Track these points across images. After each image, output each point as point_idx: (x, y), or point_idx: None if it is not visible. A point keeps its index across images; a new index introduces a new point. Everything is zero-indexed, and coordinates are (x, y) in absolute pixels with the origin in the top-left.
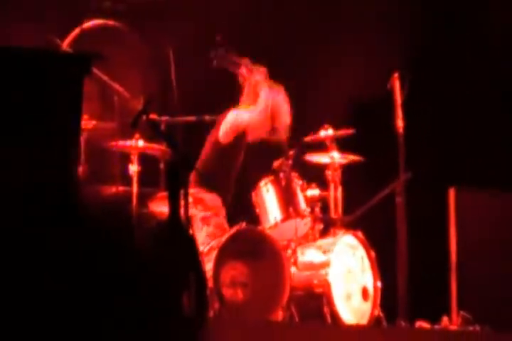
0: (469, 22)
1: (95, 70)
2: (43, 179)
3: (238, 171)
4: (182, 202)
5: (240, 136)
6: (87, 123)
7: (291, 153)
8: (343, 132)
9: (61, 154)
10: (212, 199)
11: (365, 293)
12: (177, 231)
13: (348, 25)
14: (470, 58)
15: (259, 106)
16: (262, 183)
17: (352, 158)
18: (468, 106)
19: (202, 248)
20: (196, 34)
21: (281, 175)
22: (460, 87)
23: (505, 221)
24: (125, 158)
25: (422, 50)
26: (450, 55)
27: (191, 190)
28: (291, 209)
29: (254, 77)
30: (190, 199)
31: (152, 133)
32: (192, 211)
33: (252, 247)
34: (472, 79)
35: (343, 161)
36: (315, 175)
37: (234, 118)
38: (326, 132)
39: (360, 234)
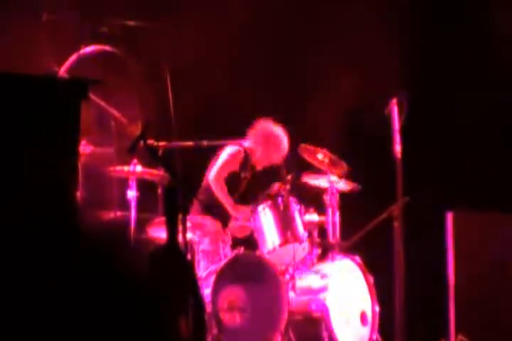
0: (467, 47)
1: (92, 96)
2: (43, 203)
3: (238, 197)
4: (180, 228)
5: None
6: (84, 148)
7: (289, 177)
8: (340, 163)
9: (60, 178)
10: (212, 224)
11: (363, 317)
12: (175, 256)
13: (346, 50)
14: (467, 84)
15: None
16: (260, 208)
17: (350, 185)
18: (464, 131)
19: (200, 273)
20: (194, 57)
21: (280, 199)
22: (457, 113)
23: (503, 243)
24: (123, 183)
25: (420, 76)
26: (447, 82)
27: (195, 217)
28: (289, 234)
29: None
30: (189, 225)
31: (150, 158)
32: (191, 236)
33: (250, 272)
34: (469, 105)
35: (342, 189)
36: (313, 199)
37: (230, 152)
38: (324, 156)
39: (358, 258)
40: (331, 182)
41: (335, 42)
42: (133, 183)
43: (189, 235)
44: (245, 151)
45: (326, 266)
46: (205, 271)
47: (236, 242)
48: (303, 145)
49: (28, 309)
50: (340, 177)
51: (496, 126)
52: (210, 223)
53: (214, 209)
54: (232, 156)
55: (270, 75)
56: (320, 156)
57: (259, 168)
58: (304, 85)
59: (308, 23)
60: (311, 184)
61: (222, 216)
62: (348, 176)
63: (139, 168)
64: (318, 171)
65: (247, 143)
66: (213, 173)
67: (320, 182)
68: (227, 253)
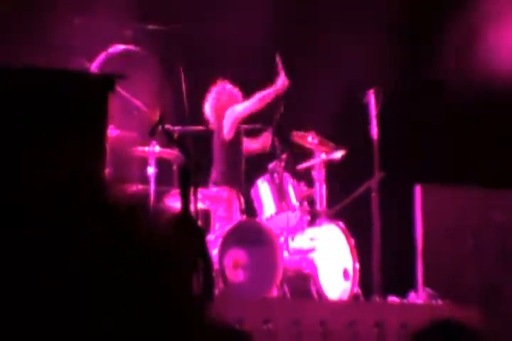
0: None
1: (119, 88)
2: (77, 177)
3: (243, 164)
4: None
5: (239, 131)
6: (111, 132)
7: (283, 156)
8: (325, 142)
9: (91, 158)
10: (226, 193)
11: (345, 273)
12: (188, 223)
13: (334, 48)
14: (433, 76)
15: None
16: (259, 182)
17: (334, 154)
18: (431, 116)
19: (209, 236)
20: (204, 54)
21: (275, 175)
22: (424, 101)
23: (463, 212)
24: (144, 161)
25: (394, 71)
26: (416, 75)
27: (211, 189)
28: (283, 204)
29: None
30: (203, 196)
31: (167, 140)
32: (207, 205)
33: (251, 236)
34: (434, 94)
35: (327, 158)
36: (303, 174)
37: (231, 113)
38: (312, 138)
39: (341, 224)
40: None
41: (324, 40)
42: (152, 161)
43: (204, 204)
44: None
45: (314, 231)
46: (213, 235)
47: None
48: (294, 132)
49: (59, 274)
50: (328, 152)
51: (460, 112)
52: (225, 193)
53: (226, 178)
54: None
55: (268, 71)
56: (309, 138)
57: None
58: (296, 78)
59: (298, 22)
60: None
61: (234, 182)
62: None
63: (157, 149)
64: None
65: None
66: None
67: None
68: (239, 217)
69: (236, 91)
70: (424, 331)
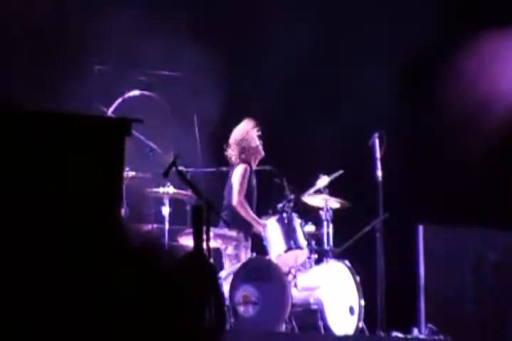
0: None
1: (134, 132)
2: (95, 217)
3: (254, 207)
4: (205, 237)
5: (248, 186)
6: (127, 173)
7: (291, 197)
8: (333, 175)
9: (108, 198)
10: (236, 234)
11: (351, 309)
12: (200, 260)
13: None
14: (433, 123)
15: None
16: (268, 221)
17: (341, 202)
18: (434, 161)
19: (221, 273)
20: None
21: (284, 215)
22: (427, 146)
23: (462, 250)
24: (158, 201)
25: (398, 117)
26: (418, 122)
27: (223, 229)
28: (292, 243)
29: None
30: (213, 235)
31: (180, 181)
32: (219, 244)
33: (260, 273)
34: (436, 140)
35: (335, 206)
36: (311, 215)
37: (241, 172)
38: (322, 180)
39: (347, 262)
40: (326, 200)
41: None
42: (166, 201)
43: (216, 243)
44: (249, 164)
45: (321, 268)
46: (225, 272)
47: (252, 248)
48: (306, 195)
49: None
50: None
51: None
52: (234, 234)
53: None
54: (243, 175)
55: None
56: (319, 181)
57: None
58: (304, 125)
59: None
60: (309, 203)
61: (243, 226)
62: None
63: (171, 189)
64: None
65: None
66: (235, 198)
67: (316, 201)
68: (247, 255)
69: (255, 131)
70: None
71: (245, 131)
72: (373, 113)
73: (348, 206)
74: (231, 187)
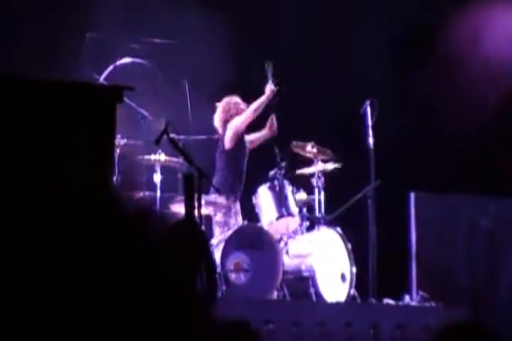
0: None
1: (126, 99)
2: (86, 185)
3: (244, 172)
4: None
5: (240, 141)
6: (119, 141)
7: (283, 164)
8: (324, 150)
9: (99, 165)
10: (225, 201)
11: (343, 276)
12: (192, 227)
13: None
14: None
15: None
16: (260, 189)
17: (332, 166)
18: (425, 128)
19: (214, 240)
20: (209, 66)
21: (276, 182)
22: (418, 113)
23: (454, 218)
24: (150, 169)
25: (390, 84)
26: (410, 88)
27: (210, 196)
28: (283, 210)
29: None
30: (203, 202)
31: (172, 148)
32: (207, 211)
33: (252, 240)
34: (427, 107)
35: (326, 169)
36: (303, 182)
37: (230, 125)
38: (312, 148)
39: (338, 229)
40: (318, 167)
41: (326, 56)
42: (158, 169)
43: (205, 210)
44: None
45: (313, 236)
46: (216, 239)
47: (244, 215)
48: (294, 142)
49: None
50: (327, 161)
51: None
52: (224, 201)
53: (225, 185)
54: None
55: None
56: (309, 147)
57: None
58: (296, 91)
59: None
60: (302, 171)
61: (233, 190)
62: (333, 159)
63: (162, 157)
64: (307, 160)
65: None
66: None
67: (309, 169)
68: (239, 223)
69: (244, 105)
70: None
71: (231, 103)
72: (365, 80)
73: (340, 173)
74: (222, 149)
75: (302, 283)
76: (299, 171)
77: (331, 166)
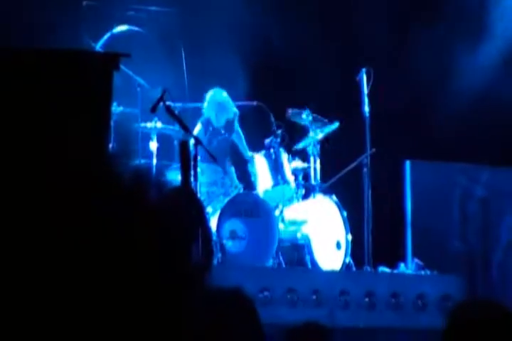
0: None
1: (122, 67)
2: (82, 152)
3: (232, 148)
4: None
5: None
6: (115, 109)
7: (279, 132)
8: (319, 118)
9: (96, 132)
10: (215, 169)
11: (338, 244)
12: (188, 194)
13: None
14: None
15: None
16: (255, 157)
17: (327, 131)
18: (420, 95)
19: (208, 208)
20: (206, 31)
21: (271, 150)
22: (412, 81)
23: (449, 185)
24: (146, 136)
25: (384, 52)
26: (405, 56)
27: (202, 164)
28: (279, 178)
29: None
30: (199, 170)
31: (168, 116)
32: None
33: (248, 208)
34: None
35: (321, 136)
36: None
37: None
38: (307, 114)
39: (334, 197)
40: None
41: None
42: (154, 136)
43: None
44: None
45: (308, 203)
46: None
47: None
48: (289, 109)
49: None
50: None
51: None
52: (220, 168)
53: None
54: None
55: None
56: (304, 115)
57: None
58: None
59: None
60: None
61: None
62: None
63: (159, 124)
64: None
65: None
66: None
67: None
68: (231, 192)
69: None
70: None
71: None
72: (362, 47)
73: (335, 140)
74: None
75: (298, 251)
76: (297, 146)
77: (329, 128)
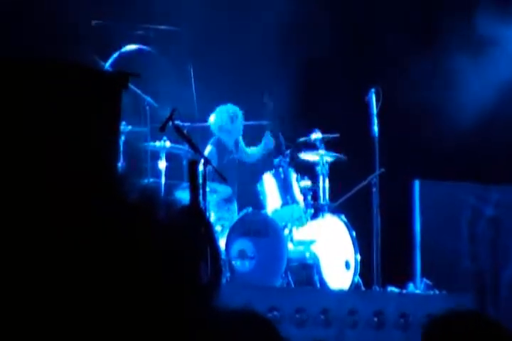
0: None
1: (131, 86)
2: (91, 170)
3: (240, 167)
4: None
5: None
6: (124, 128)
7: (288, 151)
8: (328, 136)
9: (104, 152)
10: (225, 189)
11: (347, 264)
12: (197, 214)
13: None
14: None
15: None
16: (264, 176)
17: (337, 155)
18: (429, 115)
19: (216, 227)
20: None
21: (280, 169)
22: (422, 100)
23: (458, 205)
24: (155, 155)
25: (394, 72)
26: (415, 77)
27: (212, 183)
28: (288, 197)
29: None
30: (208, 189)
31: (177, 136)
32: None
33: (257, 227)
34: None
35: (330, 159)
36: (308, 170)
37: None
38: (316, 135)
39: (343, 217)
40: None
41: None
42: (163, 156)
43: (211, 197)
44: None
45: (317, 223)
46: (221, 226)
47: (246, 203)
48: (298, 140)
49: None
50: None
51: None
52: (229, 188)
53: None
54: None
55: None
56: (314, 135)
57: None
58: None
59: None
60: (305, 157)
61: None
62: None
63: (167, 144)
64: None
65: None
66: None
67: (313, 156)
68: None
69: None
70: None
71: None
72: (370, 68)
73: (343, 159)
74: None
75: (306, 271)
76: (304, 156)
77: (334, 157)
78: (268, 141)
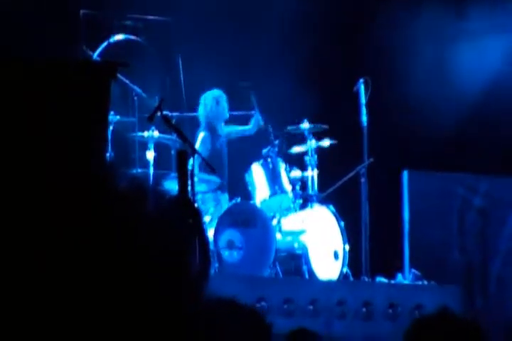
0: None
1: (119, 76)
2: (79, 160)
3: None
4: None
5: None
6: (113, 118)
7: (277, 141)
8: (318, 126)
9: (93, 142)
10: (218, 179)
11: (335, 254)
12: (185, 204)
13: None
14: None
15: None
16: (253, 166)
17: (325, 143)
18: (418, 105)
19: (205, 218)
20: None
21: (269, 159)
22: (411, 90)
23: (447, 196)
24: (143, 146)
25: (383, 61)
26: (404, 65)
27: (201, 173)
28: (276, 187)
29: None
30: (196, 179)
31: (165, 126)
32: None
33: (245, 218)
34: (421, 84)
35: (320, 146)
36: (296, 160)
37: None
38: (305, 125)
39: (331, 207)
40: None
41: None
42: (151, 146)
43: (200, 187)
44: None
45: (306, 213)
46: (209, 216)
47: (234, 193)
48: (287, 128)
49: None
50: (320, 138)
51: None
52: (217, 178)
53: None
54: None
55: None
56: (302, 125)
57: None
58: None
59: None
60: (295, 148)
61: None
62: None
63: (156, 134)
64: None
65: None
66: None
67: (302, 146)
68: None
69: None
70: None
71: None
72: (359, 58)
73: (333, 150)
74: None
75: (295, 261)
76: (293, 149)
77: (324, 143)
78: (257, 117)
